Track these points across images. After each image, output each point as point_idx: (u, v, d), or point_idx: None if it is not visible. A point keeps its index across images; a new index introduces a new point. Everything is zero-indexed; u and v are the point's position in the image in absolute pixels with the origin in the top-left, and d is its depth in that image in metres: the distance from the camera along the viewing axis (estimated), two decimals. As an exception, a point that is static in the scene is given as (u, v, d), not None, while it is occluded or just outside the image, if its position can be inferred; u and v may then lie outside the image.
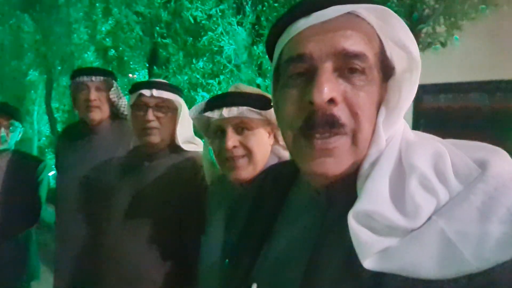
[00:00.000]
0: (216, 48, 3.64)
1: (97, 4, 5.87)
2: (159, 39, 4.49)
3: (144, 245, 1.58)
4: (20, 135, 2.53)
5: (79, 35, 6.45)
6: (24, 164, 2.49)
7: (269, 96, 1.23)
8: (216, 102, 1.21)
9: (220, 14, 3.28)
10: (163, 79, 4.58)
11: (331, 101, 0.56)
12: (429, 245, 0.49)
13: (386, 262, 0.51)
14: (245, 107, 1.19)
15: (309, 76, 0.58)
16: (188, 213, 1.55)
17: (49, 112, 7.46)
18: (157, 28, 4.42)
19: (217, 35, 3.53)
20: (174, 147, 1.66)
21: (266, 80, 3.41)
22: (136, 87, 1.63)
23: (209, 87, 3.92)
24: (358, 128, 0.58)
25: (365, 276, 0.53)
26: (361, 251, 0.52)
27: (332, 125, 0.57)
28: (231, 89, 1.29)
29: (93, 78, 2.07)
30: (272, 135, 1.26)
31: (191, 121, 1.71)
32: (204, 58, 3.78)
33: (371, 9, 0.59)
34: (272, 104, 1.17)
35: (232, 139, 1.18)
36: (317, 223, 0.63)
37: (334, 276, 0.57)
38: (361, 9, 0.59)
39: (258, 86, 3.53)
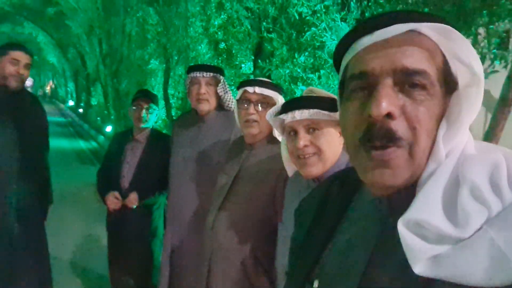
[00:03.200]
0: (318, 43, 3.73)
1: (212, 0, 6.31)
2: (265, 34, 4.72)
3: (237, 221, 1.81)
4: (156, 117, 2.98)
5: (195, 29, 6.99)
6: (159, 139, 2.94)
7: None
8: (290, 105, 1.38)
9: (324, 10, 3.37)
10: (266, 72, 4.84)
11: (389, 115, 0.59)
12: (479, 254, 0.50)
13: (436, 268, 0.53)
14: (315, 110, 1.32)
15: (370, 90, 0.62)
16: (279, 199, 1.73)
17: (166, 98, 8.22)
18: (264, 23, 4.64)
19: (320, 31, 3.62)
20: (271, 139, 1.87)
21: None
22: (242, 84, 1.89)
23: (309, 81, 4.04)
24: (415, 141, 0.59)
25: (417, 282, 0.55)
26: (411, 256, 0.55)
27: (389, 138, 0.59)
28: (305, 92, 1.44)
29: (204, 74, 2.39)
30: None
31: None
32: (306, 53, 3.90)
33: (434, 27, 0.61)
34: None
35: (303, 139, 1.33)
36: (377, 229, 0.67)
37: (389, 281, 0.61)
38: (423, 27, 0.61)
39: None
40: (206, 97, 2.39)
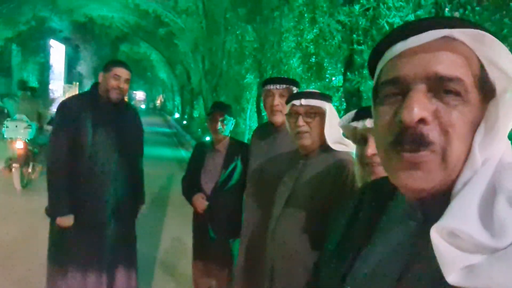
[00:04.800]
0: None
1: (305, 15, 6.40)
2: (355, 46, 4.65)
3: (297, 231, 1.84)
4: (232, 126, 3.15)
5: (288, 43, 7.14)
6: (238, 147, 3.10)
7: None
8: (362, 113, 1.36)
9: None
10: (355, 84, 4.74)
11: (421, 120, 0.59)
12: None
13: (471, 279, 0.51)
14: None
15: (403, 96, 0.62)
16: (335, 207, 1.71)
17: (258, 110, 8.47)
18: (355, 35, 4.58)
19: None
20: (325, 148, 1.88)
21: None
22: (289, 99, 1.92)
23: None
24: (448, 146, 0.59)
25: None
26: (444, 266, 0.54)
27: (420, 143, 0.59)
28: None
29: (278, 86, 2.47)
30: None
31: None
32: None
33: (469, 33, 0.60)
34: None
35: (372, 147, 1.32)
36: (411, 237, 0.66)
37: None
38: (458, 32, 0.60)
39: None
40: (279, 108, 2.44)
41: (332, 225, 0.91)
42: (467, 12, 3.22)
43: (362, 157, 1.38)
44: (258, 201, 2.53)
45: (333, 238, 0.85)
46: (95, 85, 2.91)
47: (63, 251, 2.74)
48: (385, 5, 3.84)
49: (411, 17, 3.56)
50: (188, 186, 3.16)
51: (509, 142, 0.62)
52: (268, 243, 1.98)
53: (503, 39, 2.85)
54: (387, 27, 3.76)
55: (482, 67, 0.60)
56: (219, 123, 3.05)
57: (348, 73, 4.62)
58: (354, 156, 1.93)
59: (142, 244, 3.24)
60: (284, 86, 2.48)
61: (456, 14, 3.35)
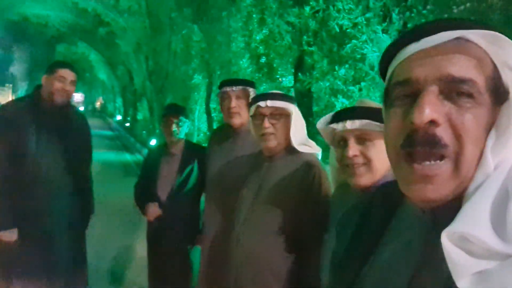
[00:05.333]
0: (359, 56, 3.67)
1: (254, 15, 6.39)
2: (306, 47, 4.71)
3: (264, 235, 1.81)
4: (188, 128, 3.04)
5: (237, 44, 7.11)
6: (194, 151, 2.99)
7: None
8: (341, 115, 1.35)
9: (365, 22, 3.31)
10: (306, 85, 4.80)
11: (433, 122, 0.57)
12: None
13: (482, 284, 0.51)
14: (366, 120, 1.30)
15: (414, 98, 0.60)
16: (302, 209, 1.71)
17: (208, 111, 8.37)
18: (305, 36, 4.64)
19: (361, 43, 3.56)
20: (290, 149, 1.86)
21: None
22: (254, 100, 1.89)
23: (350, 93, 3.97)
24: (461, 150, 0.57)
25: None
26: (455, 271, 0.53)
27: (433, 145, 0.57)
28: (356, 103, 1.41)
29: (234, 88, 2.41)
30: None
31: (304, 125, 1.91)
32: (347, 66, 3.85)
33: (482, 34, 0.59)
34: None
35: (353, 149, 1.31)
36: (421, 241, 0.65)
37: None
38: (471, 34, 0.59)
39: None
40: (236, 110, 2.40)
41: (340, 230, 0.89)
42: (413, 15, 3.35)
43: (342, 158, 1.37)
44: (219, 206, 2.47)
45: (342, 243, 0.84)
46: (38, 88, 2.70)
47: (7, 265, 2.55)
48: (335, 8, 3.91)
49: (360, 20, 3.65)
50: (141, 193, 3.02)
51: None
52: (233, 249, 1.93)
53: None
54: (337, 29, 3.83)
55: (495, 69, 0.59)
56: (174, 126, 2.93)
57: (300, 74, 4.67)
58: (319, 157, 1.95)
59: (91, 255, 3.06)
60: (241, 87, 2.44)
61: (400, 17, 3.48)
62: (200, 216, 3.02)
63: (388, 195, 0.78)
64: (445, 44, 0.59)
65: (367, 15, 3.50)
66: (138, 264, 4.27)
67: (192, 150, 3.05)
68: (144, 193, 2.98)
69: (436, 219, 0.63)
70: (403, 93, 0.62)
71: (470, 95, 0.57)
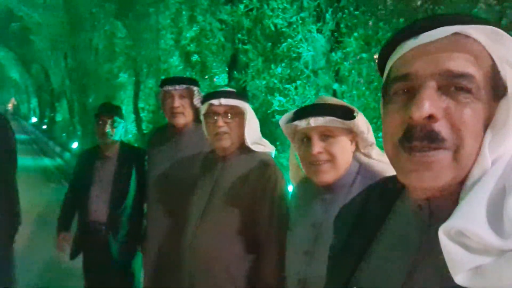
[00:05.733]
0: (294, 55, 3.74)
1: (183, 12, 6.26)
2: (240, 45, 4.70)
3: (220, 237, 1.78)
4: (123, 129, 2.87)
5: (166, 41, 6.91)
6: (131, 153, 2.83)
7: (352, 107, 1.34)
8: (304, 112, 1.35)
9: (300, 22, 3.37)
10: (242, 83, 4.79)
11: (431, 117, 0.57)
12: None
13: (479, 279, 0.51)
14: (330, 117, 1.30)
15: (413, 93, 0.60)
16: (259, 209, 1.70)
17: (136, 111, 8.06)
18: (239, 35, 4.63)
19: (296, 42, 3.63)
20: (244, 149, 1.84)
21: (343, 86, 3.44)
22: (206, 98, 1.85)
23: (286, 91, 4.03)
24: (461, 144, 0.58)
25: None
26: (452, 266, 0.53)
27: (431, 140, 0.58)
28: (317, 100, 1.42)
29: (177, 86, 2.33)
30: (354, 143, 1.36)
31: (258, 124, 1.90)
32: (283, 64, 3.90)
33: (481, 30, 0.59)
34: (355, 114, 1.28)
35: (317, 146, 1.31)
36: (418, 238, 0.65)
37: None
38: (470, 29, 0.59)
39: (335, 91, 3.58)
40: (180, 110, 2.33)
41: (338, 225, 0.89)
42: (344, 15, 3.49)
43: (306, 156, 1.37)
44: (165, 210, 2.37)
45: (339, 238, 0.83)
46: None
47: None
48: (269, 6, 3.95)
49: (295, 19, 3.72)
50: (68, 208, 2.83)
51: None
52: (186, 254, 1.86)
53: (378, 42, 3.15)
54: (272, 28, 3.87)
55: (494, 64, 0.59)
56: (108, 127, 2.75)
57: (235, 72, 4.65)
58: (272, 156, 1.94)
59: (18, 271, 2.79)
60: (184, 86, 2.36)
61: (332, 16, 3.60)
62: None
63: (385, 191, 0.78)
64: (443, 39, 0.59)
65: (302, 14, 3.57)
66: (67, 278, 3.98)
67: (130, 153, 2.89)
68: (71, 209, 2.81)
69: (433, 215, 0.64)
70: (402, 88, 0.62)
71: (468, 90, 0.57)
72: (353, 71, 3.18)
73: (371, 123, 1.44)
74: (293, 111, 1.47)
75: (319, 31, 3.51)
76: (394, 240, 0.70)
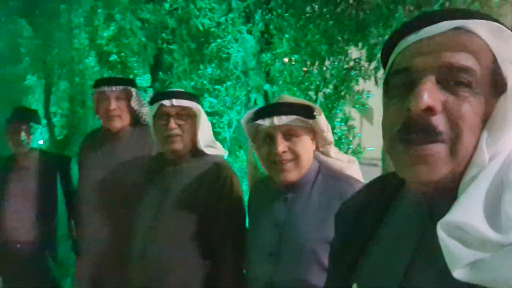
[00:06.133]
0: (224, 55, 3.73)
1: (99, 10, 5.92)
2: (164, 45, 4.58)
3: (175, 244, 1.69)
4: (41, 135, 2.60)
5: (80, 40, 6.49)
6: (52, 161, 2.58)
7: (313, 106, 1.36)
8: (267, 111, 1.34)
9: (230, 22, 3.38)
10: (167, 84, 4.66)
11: (429, 110, 0.57)
12: None
13: (477, 274, 0.51)
14: (294, 116, 1.31)
15: (412, 86, 0.60)
16: (215, 213, 1.67)
17: (47, 116, 7.45)
18: (163, 34, 4.50)
19: (226, 42, 3.63)
20: (196, 152, 1.78)
21: (274, 87, 3.51)
22: (156, 98, 1.76)
23: (216, 92, 4.01)
24: (457, 138, 0.58)
25: (457, 286, 0.53)
26: (451, 261, 0.53)
27: (428, 133, 0.58)
28: (277, 99, 1.43)
29: (113, 88, 2.17)
30: (314, 142, 1.39)
31: (210, 126, 1.85)
32: (213, 65, 3.87)
33: (483, 24, 0.59)
34: (315, 113, 1.30)
35: (282, 145, 1.31)
36: (417, 233, 0.65)
37: (429, 285, 0.59)
38: (471, 24, 0.59)
39: (266, 92, 3.63)
40: (117, 112, 2.17)
41: (338, 221, 0.88)
42: (273, 17, 3.56)
43: (270, 155, 1.36)
44: (102, 218, 2.20)
45: (340, 234, 0.83)
46: None
47: None
48: (196, 6, 3.89)
49: (224, 19, 3.71)
50: None
51: None
52: (135, 267, 1.75)
53: (308, 44, 3.26)
54: (200, 28, 3.82)
55: (495, 60, 0.59)
56: (23, 134, 2.48)
57: (160, 73, 4.52)
58: (225, 158, 1.90)
59: None
60: (121, 87, 2.21)
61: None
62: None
63: (385, 188, 0.79)
64: (444, 33, 0.59)
65: (231, 15, 3.57)
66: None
67: (51, 162, 2.63)
68: None
69: (432, 210, 0.64)
70: (402, 82, 0.63)
71: (468, 84, 0.58)
72: (285, 72, 3.26)
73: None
74: (253, 110, 1.46)
75: (249, 32, 3.54)
76: (394, 235, 0.71)
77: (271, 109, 1.38)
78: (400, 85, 0.63)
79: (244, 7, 3.41)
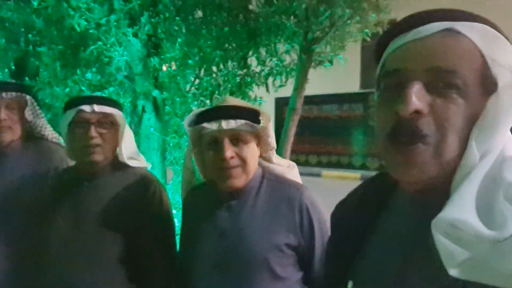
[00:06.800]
0: (106, 59, 3.47)
1: None
2: (30, 48, 4.07)
3: (95, 267, 1.50)
4: None
5: None
6: None
7: (257, 109, 1.33)
8: (213, 114, 1.26)
9: (115, 24, 3.15)
10: (36, 90, 4.16)
11: (417, 112, 0.59)
12: None
13: (473, 271, 0.52)
14: (242, 121, 1.26)
15: (401, 88, 0.61)
16: (143, 229, 1.52)
17: None
18: (29, 35, 3.99)
19: (108, 45, 3.38)
20: (117, 164, 1.62)
21: (164, 93, 3.38)
22: (73, 103, 1.56)
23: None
24: (442, 139, 0.60)
25: (452, 284, 0.54)
26: (446, 260, 0.54)
27: (415, 135, 0.60)
28: (222, 102, 1.35)
29: (4, 94, 1.88)
30: (259, 147, 1.36)
31: (133, 136, 1.70)
32: (94, 69, 3.56)
33: (473, 27, 0.61)
34: (261, 118, 1.28)
35: (229, 150, 1.25)
36: (412, 231, 0.66)
37: (424, 282, 0.60)
38: (460, 26, 0.61)
39: (155, 98, 3.48)
40: (7, 123, 1.88)
41: (335, 221, 0.87)
42: (160, 20, 3.42)
43: (216, 161, 1.28)
44: None
45: (336, 233, 0.83)
46: None
47: None
48: (69, 5, 3.53)
49: (104, 21, 3.44)
50: None
51: (511, 136, 0.62)
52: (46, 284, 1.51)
53: (200, 49, 3.22)
54: (77, 29, 3.48)
55: (484, 61, 0.60)
56: None
57: (27, 78, 3.98)
58: (149, 170, 1.73)
59: None
60: (14, 94, 1.92)
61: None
62: None
63: (380, 186, 0.79)
64: (434, 35, 0.61)
65: (113, 16, 3.33)
66: None
67: None
68: None
69: (426, 209, 0.65)
70: (392, 83, 0.64)
71: (455, 86, 0.59)
72: (178, 78, 3.14)
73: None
74: (196, 111, 1.37)
75: (134, 35, 3.35)
76: (389, 233, 0.72)
77: (218, 112, 1.30)
78: (390, 87, 0.64)
79: (129, 9, 3.21)
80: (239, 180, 1.31)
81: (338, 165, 12.22)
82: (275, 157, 1.45)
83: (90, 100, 1.57)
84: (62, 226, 1.54)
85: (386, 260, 0.68)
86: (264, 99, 3.28)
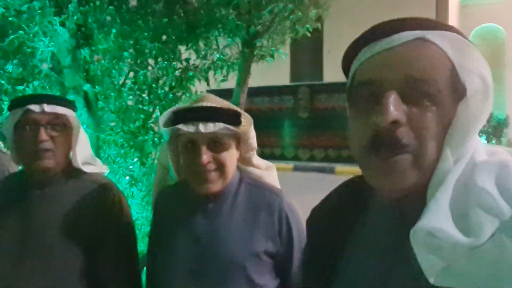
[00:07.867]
0: (29, 50, 3.18)
1: None
2: None
3: (50, 285, 1.34)
4: None
5: None
6: None
7: (240, 110, 1.25)
8: (190, 115, 1.17)
9: (39, 12, 2.88)
10: None
11: (395, 122, 0.59)
12: (494, 260, 0.51)
13: (451, 278, 0.53)
14: (222, 124, 1.18)
15: (377, 98, 0.61)
16: (104, 241, 1.41)
17: None
18: None
19: (31, 35, 3.10)
20: (71, 170, 1.47)
21: (97, 87, 3.18)
22: (19, 102, 1.39)
23: (18, 93, 3.40)
24: (421, 147, 0.60)
25: None
26: (425, 267, 0.55)
27: (395, 145, 0.60)
28: (200, 100, 1.25)
29: None
30: (238, 149, 1.30)
31: (88, 139, 1.56)
32: (15, 61, 3.25)
33: (442, 35, 0.62)
34: (242, 119, 1.21)
35: (206, 155, 1.17)
36: (390, 239, 0.66)
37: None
38: (430, 34, 0.61)
39: (86, 92, 3.26)
40: None
41: (310, 226, 0.85)
42: (90, 9, 3.19)
43: (192, 164, 1.20)
44: None
45: (313, 240, 0.81)
46: None
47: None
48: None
49: (25, 8, 3.14)
50: None
51: (480, 140, 0.64)
52: None
53: (136, 41, 3.05)
54: (-5, 16, 3.14)
55: (453, 68, 0.62)
56: None
57: None
58: (106, 175, 1.58)
59: None
60: None
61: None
62: None
63: (357, 192, 0.78)
64: (406, 44, 0.61)
65: (35, 3, 3.05)
66: None
67: None
68: None
69: (404, 215, 0.66)
70: (366, 94, 0.63)
71: (430, 95, 0.60)
72: (113, 71, 2.95)
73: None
74: (172, 109, 1.26)
75: (62, 24, 3.09)
76: (366, 242, 0.71)
77: (195, 113, 1.21)
78: (365, 97, 0.63)
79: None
80: (215, 185, 1.23)
81: (271, 157, 12.41)
82: (256, 158, 1.39)
83: (40, 99, 1.38)
84: (8, 243, 1.35)
85: (365, 269, 0.68)
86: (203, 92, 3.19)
